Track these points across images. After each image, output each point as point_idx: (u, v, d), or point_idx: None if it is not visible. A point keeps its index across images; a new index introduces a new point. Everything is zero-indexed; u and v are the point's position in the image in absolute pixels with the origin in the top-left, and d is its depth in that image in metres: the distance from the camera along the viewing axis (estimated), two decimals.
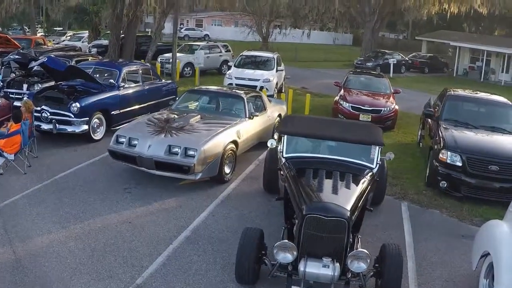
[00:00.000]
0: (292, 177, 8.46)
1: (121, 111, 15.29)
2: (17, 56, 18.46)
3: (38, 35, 43.44)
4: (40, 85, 17.49)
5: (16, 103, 15.56)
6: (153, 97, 16.99)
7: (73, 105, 13.70)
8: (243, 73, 23.24)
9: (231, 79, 22.86)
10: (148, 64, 18.17)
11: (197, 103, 14.16)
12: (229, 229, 9.51)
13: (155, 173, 11.09)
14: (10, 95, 17.44)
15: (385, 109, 19.24)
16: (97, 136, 14.60)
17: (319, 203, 7.33)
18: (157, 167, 10.89)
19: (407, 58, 46.17)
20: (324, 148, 9.40)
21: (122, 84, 15.52)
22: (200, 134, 11.40)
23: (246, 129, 12.86)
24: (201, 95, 14.43)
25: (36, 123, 13.11)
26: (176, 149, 10.87)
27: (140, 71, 16.85)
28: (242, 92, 14.29)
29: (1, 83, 18.22)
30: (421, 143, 16.42)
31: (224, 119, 12.77)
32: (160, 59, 30.27)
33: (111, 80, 15.24)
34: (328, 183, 8.07)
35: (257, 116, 13.59)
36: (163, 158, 10.79)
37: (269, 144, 9.65)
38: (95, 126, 14.49)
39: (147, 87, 16.82)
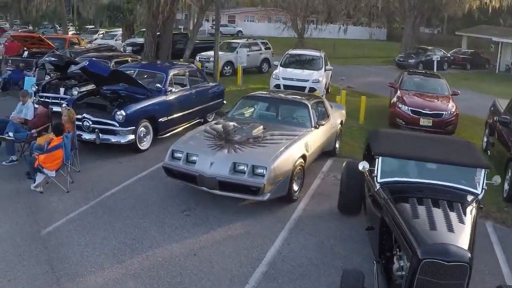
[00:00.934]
0: (392, 206, 7.10)
1: (169, 117, 13.98)
2: (53, 58, 17.23)
3: (70, 33, 42.44)
4: (78, 89, 16.35)
5: (54, 108, 14.45)
6: (201, 101, 15.66)
7: (118, 113, 12.38)
8: (291, 73, 21.76)
9: (278, 79, 21.40)
10: (194, 65, 16.78)
11: (255, 111, 12.76)
12: (309, 261, 8.14)
13: (218, 193, 9.67)
14: (46, 100, 16.30)
15: (447, 112, 17.70)
16: (144, 146, 13.28)
17: (438, 245, 5.97)
18: (220, 187, 9.52)
19: (448, 55, 44.17)
20: (422, 171, 7.94)
21: (169, 88, 14.18)
22: (267, 149, 10.03)
23: (313, 140, 11.47)
24: (259, 101, 13.03)
25: (77, 132, 11.83)
26: (242, 167, 9.50)
27: (187, 74, 15.48)
28: (305, 98, 12.89)
29: (36, 87, 17.03)
30: (489, 151, 14.77)
31: (289, 129, 11.37)
32: (199, 58, 28.94)
33: (158, 85, 13.90)
34: (438, 216, 6.68)
35: (322, 125, 12.16)
36: (228, 178, 9.41)
37: (360, 168, 8.13)
38: (142, 135, 13.17)
39: (195, 90, 15.47)
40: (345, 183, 9.68)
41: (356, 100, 21.16)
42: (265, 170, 9.33)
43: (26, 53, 22.96)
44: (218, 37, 23.61)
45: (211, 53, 29.24)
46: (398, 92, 19.18)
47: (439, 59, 37.98)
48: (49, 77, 19.73)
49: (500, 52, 45.59)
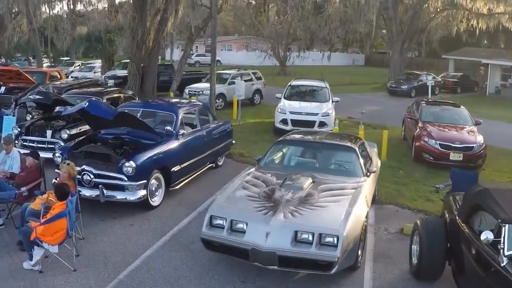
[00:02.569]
0: None
1: (182, 166, 11.91)
2: (38, 96, 15.01)
3: (44, 66, 40.07)
4: (68, 131, 14.19)
5: (41, 154, 12.32)
6: (213, 144, 13.69)
7: (127, 164, 10.25)
8: (298, 106, 19.86)
9: (285, 113, 19.49)
10: (201, 102, 14.71)
11: (292, 158, 10.83)
12: None
13: (275, 269, 7.61)
14: (31, 144, 14.10)
15: (476, 145, 16.22)
16: (156, 201, 11.16)
17: None
18: (280, 262, 7.48)
19: (439, 79, 42.96)
20: None
21: (181, 131, 12.11)
22: (329, 210, 8.12)
23: (368, 191, 9.64)
24: (296, 146, 11.08)
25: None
26: (306, 236, 7.50)
27: (197, 112, 13.45)
28: (347, 140, 11.09)
29: (18, 129, 14.79)
30: None
31: (339, 180, 9.48)
32: (189, 91, 26.91)
33: (168, 127, 11.81)
34: None
35: (373, 172, 10.29)
36: (291, 251, 7.38)
37: (483, 238, 6.16)
38: (153, 188, 11.03)
39: (206, 131, 13.48)
40: (427, 246, 7.87)
41: (370, 133, 19.38)
42: (336, 239, 7.40)
43: (3, 88, 20.64)
44: (215, 69, 21.60)
45: (201, 85, 27.46)
46: (420, 124, 17.45)
47: (433, 84, 36.71)
48: (30, 116, 17.52)
49: (489, 75, 44.68)
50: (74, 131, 14.46)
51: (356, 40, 49.59)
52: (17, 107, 17.82)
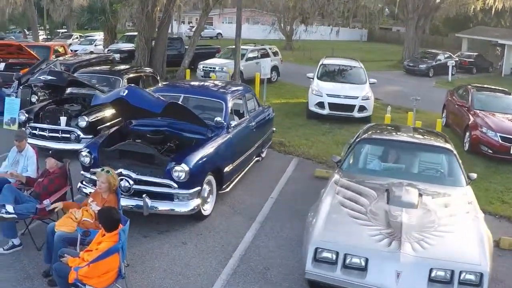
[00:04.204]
0: None
1: (234, 164, 9.88)
2: (49, 77, 12.74)
3: (40, 38, 37.57)
4: (86, 118, 12.01)
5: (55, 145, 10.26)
6: (259, 134, 11.75)
7: (178, 168, 8.17)
8: (336, 88, 17.79)
9: (321, 96, 17.44)
10: (248, 86, 12.51)
11: (379, 161, 8.81)
12: None
13: None
14: (41, 133, 12.01)
15: None
16: (207, 209, 9.11)
17: None
18: None
19: (456, 58, 40.96)
20: None
21: (232, 122, 10.03)
22: (459, 235, 6.50)
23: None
24: (384, 147, 9.03)
25: None
26: (442, 273, 5.82)
27: (245, 97, 11.35)
28: (439, 139, 9.31)
29: (26, 115, 12.64)
30: None
31: (445, 191, 7.83)
32: (203, 67, 24.67)
33: (218, 118, 9.66)
34: None
35: (474, 178, 8.35)
36: None
37: None
38: (205, 195, 8.94)
39: (254, 121, 11.41)
40: None
41: (402, 118, 17.69)
42: (479, 277, 5.72)
43: (2, 65, 18.36)
44: (240, 44, 19.41)
45: (216, 61, 25.40)
46: (473, 112, 15.57)
47: (453, 64, 34.82)
48: (36, 98, 15.33)
49: (505, 55, 42.73)
50: (93, 117, 12.30)
51: (365, 15, 47.29)
52: (21, 87, 15.60)
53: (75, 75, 14.20)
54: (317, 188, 10.70)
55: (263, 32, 48.72)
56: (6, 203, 7.38)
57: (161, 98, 8.42)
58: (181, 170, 8.10)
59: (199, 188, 8.44)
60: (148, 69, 16.79)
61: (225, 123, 9.71)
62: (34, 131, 12.27)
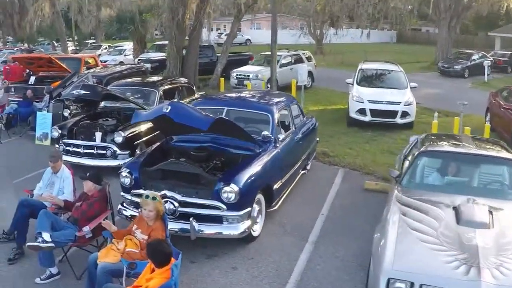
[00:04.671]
0: None
1: (283, 181, 9.22)
2: (83, 92, 12.25)
3: (69, 49, 37.41)
4: (122, 133, 11.49)
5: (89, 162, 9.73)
6: (305, 146, 11.11)
7: (227, 189, 7.57)
8: (377, 94, 17.07)
9: (362, 102, 16.73)
10: (290, 95, 11.79)
11: (440, 175, 8.11)
12: None
13: None
14: (76, 150, 11.54)
15: None
16: (257, 230, 8.48)
17: None
18: None
19: (491, 58, 39.78)
20: None
21: (280, 135, 9.39)
22: None
23: None
24: (444, 159, 8.30)
25: None
26: None
27: (291, 108, 10.71)
28: (503, 149, 8.61)
29: (59, 131, 12.19)
30: None
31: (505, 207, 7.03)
32: (237, 75, 24.13)
33: (265, 132, 9.04)
34: None
35: None
36: None
37: None
38: (255, 214, 8.29)
39: (301, 133, 10.77)
40: None
41: (445, 122, 17.23)
42: None
43: (32, 78, 17.98)
44: (276, 50, 18.81)
45: (250, 68, 24.89)
46: None
47: (489, 64, 33.74)
48: (68, 112, 14.90)
49: None
50: (129, 132, 11.77)
51: (396, 16, 46.33)
52: (52, 101, 15.17)
53: (108, 88, 13.69)
54: (368, 202, 10.10)
55: (293, 37, 48.10)
56: (43, 230, 6.87)
57: (207, 114, 7.81)
58: (230, 191, 7.48)
59: (249, 209, 7.81)
60: (183, 79, 16.22)
61: (272, 137, 9.08)
62: (68, 148, 11.83)
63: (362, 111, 16.71)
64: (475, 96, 23.86)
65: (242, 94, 11.97)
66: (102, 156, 11.52)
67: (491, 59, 37.77)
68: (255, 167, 8.16)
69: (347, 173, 12.49)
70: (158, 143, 9.51)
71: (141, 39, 31.64)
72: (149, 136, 11.99)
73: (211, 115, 7.72)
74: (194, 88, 15.69)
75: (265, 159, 8.55)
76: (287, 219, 9.38)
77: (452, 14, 40.57)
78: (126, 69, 18.88)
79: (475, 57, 37.00)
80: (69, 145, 11.84)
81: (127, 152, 11.39)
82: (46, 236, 6.79)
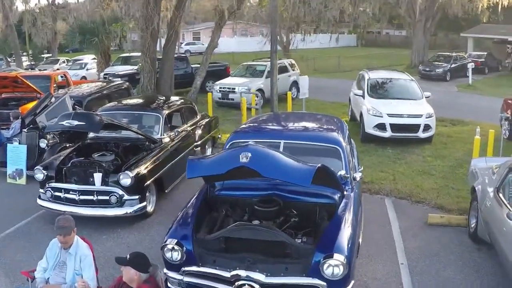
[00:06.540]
0: None
1: (361, 229, 7.11)
2: (77, 123, 9.21)
3: (24, 64, 34.46)
4: (130, 174, 8.99)
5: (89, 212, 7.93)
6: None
7: (331, 262, 5.40)
8: (395, 106, 15.19)
9: (381, 117, 14.82)
10: (337, 117, 9.55)
11: None
12: None
13: None
14: (66, 195, 9.12)
15: None
16: None
17: None
18: None
19: (470, 60, 38.98)
20: None
21: (357, 174, 7.26)
22: None
23: None
24: None
25: None
26: None
27: (349, 135, 8.57)
28: None
29: (44, 173, 9.51)
30: None
31: None
32: (220, 88, 21.99)
33: (342, 172, 6.86)
34: None
35: None
36: None
37: None
38: None
39: (357, 161, 8.70)
40: None
41: (455, 132, 16.64)
42: None
43: None
44: (276, 61, 16.76)
45: (232, 80, 22.76)
46: None
47: (473, 66, 32.75)
48: (46, 142, 12.31)
49: None
50: (137, 171, 9.25)
51: (364, 20, 45.10)
52: (25, 130, 12.54)
53: (99, 113, 11.00)
54: (444, 240, 8.43)
55: (258, 44, 46.05)
56: None
57: (301, 161, 5.56)
58: (336, 264, 5.30)
59: (352, 282, 5.62)
60: (183, 99, 13.64)
61: (348, 176, 6.90)
62: (57, 193, 9.22)
63: (381, 126, 14.84)
64: (469, 101, 23.62)
65: (290, 119, 9.58)
66: (105, 204, 9.02)
67: (470, 60, 36.98)
68: (349, 223, 5.99)
69: (397, 203, 10.66)
70: (197, 194, 7.11)
71: (105, 51, 29.00)
72: (159, 173, 9.70)
73: (312, 165, 5.40)
74: (196, 108, 13.38)
75: (351, 207, 6.37)
76: (366, 275, 7.38)
77: (427, 16, 39.56)
78: (105, 87, 16.25)
79: (455, 59, 36.00)
80: (59, 189, 9.25)
81: (137, 196, 9.03)
82: None
